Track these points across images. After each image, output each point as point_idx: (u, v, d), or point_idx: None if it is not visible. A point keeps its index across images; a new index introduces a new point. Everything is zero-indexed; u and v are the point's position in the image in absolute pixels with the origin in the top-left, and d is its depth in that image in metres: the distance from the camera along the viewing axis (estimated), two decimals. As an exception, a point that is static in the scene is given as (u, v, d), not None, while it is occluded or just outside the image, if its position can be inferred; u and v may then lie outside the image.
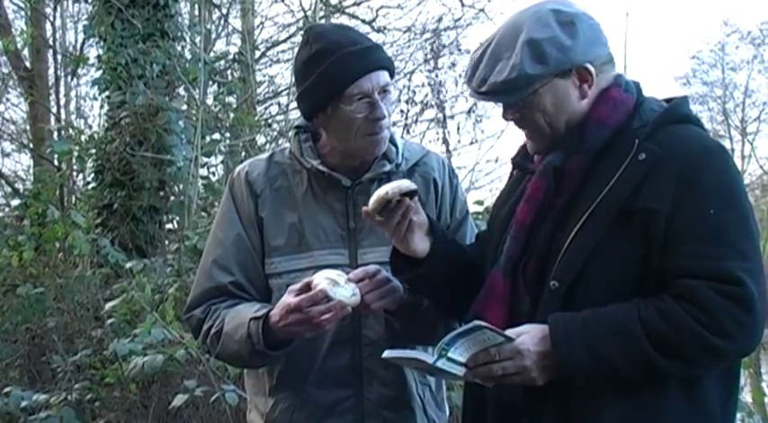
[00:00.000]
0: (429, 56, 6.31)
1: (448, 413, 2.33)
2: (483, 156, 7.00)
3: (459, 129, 6.00)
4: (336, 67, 2.03)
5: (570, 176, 1.79)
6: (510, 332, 1.70)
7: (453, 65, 6.36)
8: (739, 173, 1.76)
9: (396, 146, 2.20)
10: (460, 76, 6.26)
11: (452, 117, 6.02)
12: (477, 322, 1.67)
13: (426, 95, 6.73)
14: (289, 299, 1.94)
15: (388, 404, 2.13)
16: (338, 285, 1.92)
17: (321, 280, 1.92)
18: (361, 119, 2.04)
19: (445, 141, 5.71)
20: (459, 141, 6.21)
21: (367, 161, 2.16)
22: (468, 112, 6.46)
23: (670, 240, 1.65)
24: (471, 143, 6.44)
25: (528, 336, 1.70)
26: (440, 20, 8.46)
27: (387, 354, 1.78)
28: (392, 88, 2.13)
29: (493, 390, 1.81)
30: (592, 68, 1.78)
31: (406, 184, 1.87)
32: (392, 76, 2.13)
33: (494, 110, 6.19)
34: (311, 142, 2.19)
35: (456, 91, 6.29)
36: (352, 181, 2.15)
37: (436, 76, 6.03)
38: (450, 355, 1.71)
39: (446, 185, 2.26)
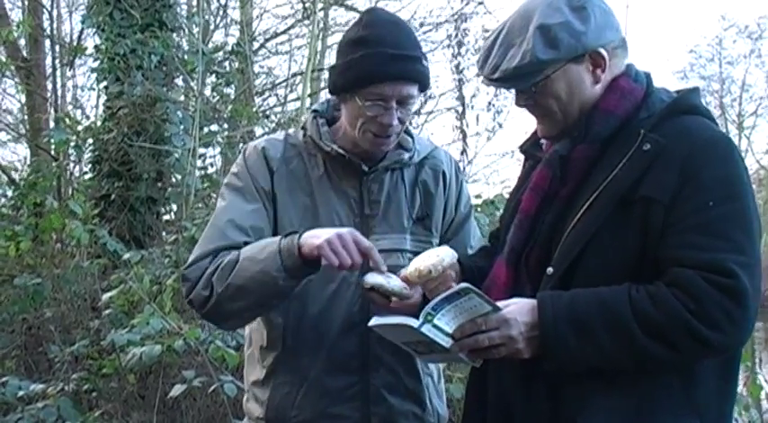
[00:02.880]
0: (453, 42, 6.17)
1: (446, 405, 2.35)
2: (482, 147, 7.00)
3: (477, 119, 5.93)
4: (367, 63, 2.03)
5: (576, 165, 1.79)
6: (499, 303, 1.70)
7: (476, 52, 6.25)
8: (744, 165, 1.74)
9: (411, 136, 2.22)
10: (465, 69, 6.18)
11: (472, 107, 5.94)
12: (464, 285, 1.66)
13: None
14: (340, 230, 1.91)
15: (395, 391, 2.14)
16: (390, 278, 1.93)
17: (372, 275, 1.93)
18: (370, 117, 2.05)
19: (462, 132, 5.65)
20: (477, 134, 6.14)
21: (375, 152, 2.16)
22: (461, 104, 6.41)
23: (667, 230, 1.65)
24: (488, 139, 6.36)
25: (516, 306, 1.70)
26: (467, 3, 8.25)
27: (373, 321, 1.77)
28: (413, 103, 2.10)
29: (494, 384, 1.81)
30: (605, 53, 1.78)
31: (449, 258, 1.86)
32: (423, 90, 2.11)
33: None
34: (327, 127, 2.20)
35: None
36: (369, 167, 2.15)
37: (458, 64, 5.91)
38: (435, 321, 1.69)
39: (453, 179, 2.29)
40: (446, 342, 1.71)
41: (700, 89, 1.87)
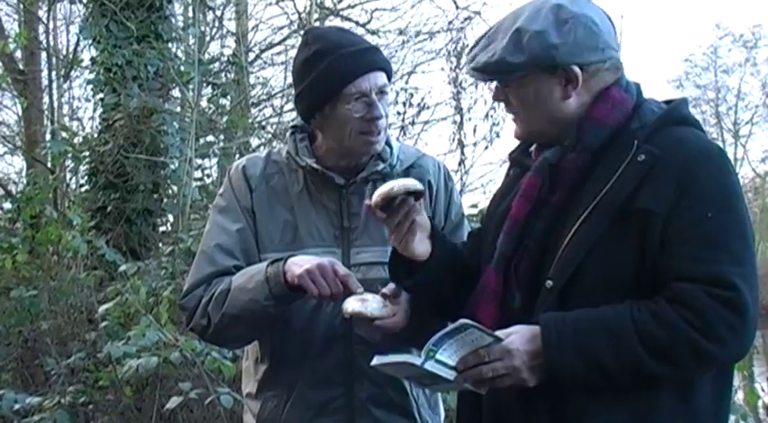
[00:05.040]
0: (452, 53, 6.19)
1: (443, 416, 2.34)
2: (478, 157, 6.99)
3: (475, 130, 5.94)
4: (335, 67, 2.05)
5: (566, 174, 1.79)
6: (500, 333, 1.69)
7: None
8: (737, 176, 1.76)
9: (390, 146, 2.22)
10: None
11: (470, 118, 5.96)
12: (463, 321, 1.66)
13: (423, 97, 6.71)
14: (319, 259, 1.97)
15: (380, 403, 2.13)
16: (367, 301, 1.95)
17: (349, 301, 1.96)
18: (357, 118, 2.06)
19: (460, 143, 5.66)
20: (475, 144, 6.15)
21: (362, 162, 2.17)
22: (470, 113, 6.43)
23: (666, 242, 1.65)
24: (486, 148, 6.37)
25: (517, 335, 1.69)
26: (467, 19, 8.35)
27: (376, 361, 1.76)
28: (389, 90, 2.15)
29: (488, 399, 1.80)
30: (578, 71, 1.77)
31: (412, 182, 1.87)
32: (390, 77, 2.15)
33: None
34: (307, 142, 2.21)
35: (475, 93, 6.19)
36: (346, 180, 2.16)
37: (456, 76, 5.93)
38: (438, 356, 1.68)
39: (441, 189, 2.27)
40: (450, 375, 1.70)
41: (688, 100, 1.88)
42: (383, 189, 1.85)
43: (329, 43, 2.09)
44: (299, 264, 1.97)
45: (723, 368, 1.74)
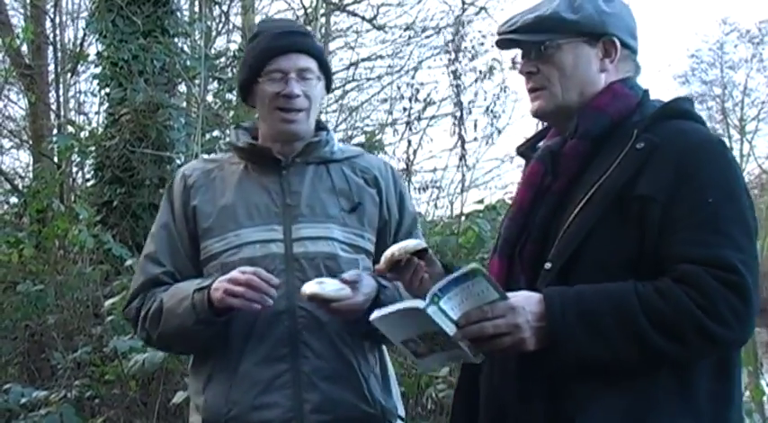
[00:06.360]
0: (451, 48, 6.17)
1: (400, 405, 2.30)
2: (484, 153, 6.99)
3: (475, 125, 5.91)
4: (260, 46, 2.21)
5: (567, 161, 1.82)
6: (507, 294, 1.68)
7: (473, 57, 6.23)
8: (739, 167, 1.77)
9: (326, 131, 2.29)
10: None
11: (470, 112, 5.93)
12: (474, 265, 1.62)
13: (429, 93, 6.70)
14: (235, 273, 2.01)
15: (326, 377, 2.11)
16: (324, 284, 2.00)
17: (308, 284, 2.00)
18: (274, 94, 2.16)
19: (461, 138, 5.63)
20: (475, 139, 6.13)
21: (296, 146, 2.22)
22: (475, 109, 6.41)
23: (668, 228, 1.66)
24: (487, 143, 6.36)
25: (523, 296, 1.68)
26: (464, 10, 8.34)
27: (374, 315, 1.71)
28: (315, 76, 2.21)
29: (486, 384, 1.81)
30: (618, 43, 1.84)
31: (412, 244, 1.91)
32: (322, 65, 2.23)
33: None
34: (249, 138, 2.30)
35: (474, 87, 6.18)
36: (285, 157, 2.21)
37: (456, 70, 5.91)
38: (441, 304, 1.63)
39: (390, 185, 2.31)
40: (450, 329, 1.65)
41: (693, 99, 1.91)
42: (386, 255, 1.90)
43: (263, 28, 2.28)
44: (218, 287, 2.02)
45: (718, 362, 1.72)
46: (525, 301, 1.67)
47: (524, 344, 1.66)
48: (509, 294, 1.67)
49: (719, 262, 1.61)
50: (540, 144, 1.95)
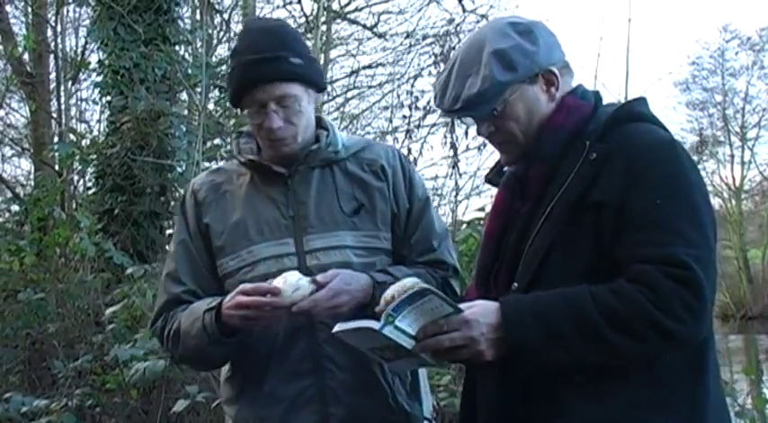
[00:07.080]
0: (438, 58, 6.21)
1: (429, 406, 2.28)
2: (485, 160, 6.99)
3: (467, 133, 5.94)
4: (235, 75, 2.13)
5: (532, 183, 1.85)
6: (462, 306, 1.71)
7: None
8: (693, 163, 1.79)
9: (327, 129, 2.23)
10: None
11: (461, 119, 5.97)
12: (423, 285, 1.68)
13: (429, 101, 6.71)
14: (240, 297, 1.98)
15: (352, 391, 2.10)
16: (297, 284, 1.96)
17: (279, 280, 1.96)
18: (256, 126, 2.13)
19: (453, 146, 5.66)
20: (467, 147, 6.15)
21: (297, 152, 2.17)
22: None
23: (620, 231, 1.68)
24: (479, 149, 6.39)
25: (479, 308, 1.71)
26: (450, 22, 8.40)
27: (337, 328, 1.77)
28: (296, 99, 2.12)
29: (480, 390, 1.83)
30: (556, 71, 1.85)
31: (410, 283, 1.82)
32: (311, 85, 2.14)
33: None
34: (253, 144, 2.25)
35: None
36: (287, 169, 2.17)
37: None
38: (397, 323, 1.68)
39: (398, 171, 2.26)
40: (409, 344, 1.70)
41: (646, 99, 1.91)
42: (385, 297, 1.85)
43: (242, 46, 2.13)
44: (229, 309, 1.99)
45: (691, 352, 1.72)
46: (480, 313, 1.70)
47: (482, 355, 1.70)
48: (467, 305, 1.71)
49: (671, 260, 1.63)
50: (506, 169, 1.97)
